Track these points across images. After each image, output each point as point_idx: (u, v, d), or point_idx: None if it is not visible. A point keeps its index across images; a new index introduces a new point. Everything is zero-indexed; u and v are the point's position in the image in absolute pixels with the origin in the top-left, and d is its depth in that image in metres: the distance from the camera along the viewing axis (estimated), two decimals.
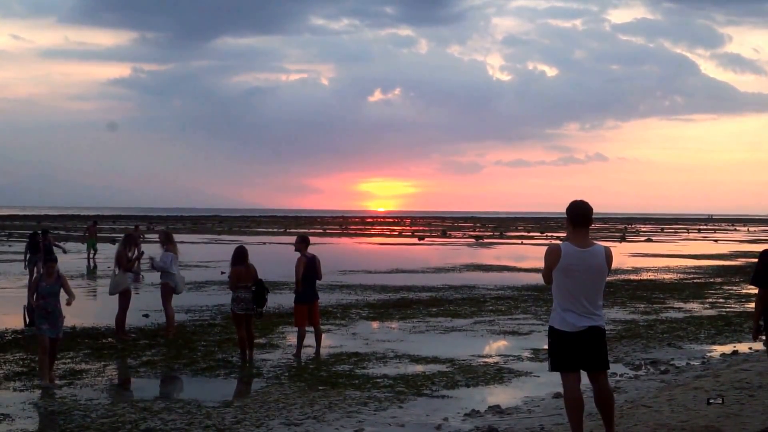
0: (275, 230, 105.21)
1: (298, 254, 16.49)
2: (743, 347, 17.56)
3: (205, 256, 48.18)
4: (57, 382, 13.50)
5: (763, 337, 8.97)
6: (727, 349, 17.46)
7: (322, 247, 58.76)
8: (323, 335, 17.25)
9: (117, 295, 18.58)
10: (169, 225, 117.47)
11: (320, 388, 13.22)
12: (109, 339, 17.67)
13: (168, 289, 18.77)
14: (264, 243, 67.91)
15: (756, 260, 9.37)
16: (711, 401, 10.67)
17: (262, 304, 16.20)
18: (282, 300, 24.47)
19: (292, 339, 17.48)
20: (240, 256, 16.26)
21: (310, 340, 16.65)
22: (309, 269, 16.39)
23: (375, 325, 20.78)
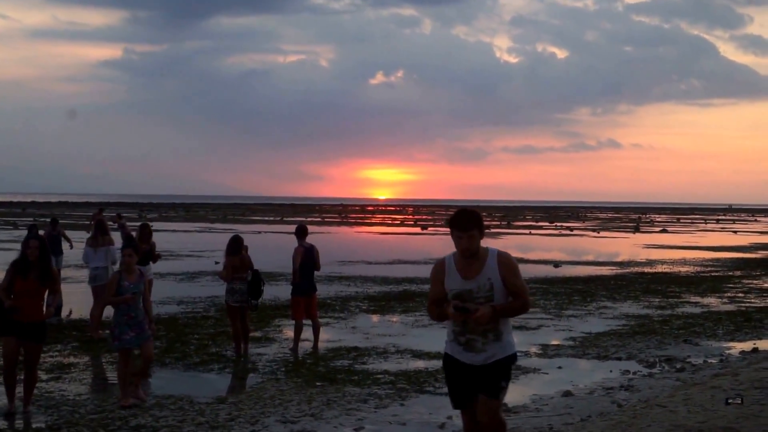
0: (271, 218, 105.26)
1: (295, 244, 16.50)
2: (764, 344, 17.55)
3: (198, 245, 48.24)
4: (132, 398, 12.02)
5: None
6: (747, 346, 17.44)
7: (321, 236, 58.75)
8: (321, 329, 17.24)
9: (96, 288, 18.09)
10: (162, 212, 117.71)
11: (318, 384, 13.23)
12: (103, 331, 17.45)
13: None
14: (259, 232, 67.91)
15: None
16: (730, 401, 10.66)
17: (258, 296, 16.17)
18: (279, 291, 24.48)
19: (289, 332, 17.47)
20: (235, 245, 16.22)
21: (307, 333, 16.65)
22: (306, 259, 16.38)
23: (375, 318, 20.79)
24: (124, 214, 41.82)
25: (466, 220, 7.04)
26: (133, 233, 20.30)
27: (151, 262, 18.37)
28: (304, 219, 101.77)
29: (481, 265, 7.07)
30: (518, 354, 16.03)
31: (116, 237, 20.38)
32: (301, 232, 16.72)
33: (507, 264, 7.10)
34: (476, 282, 7.04)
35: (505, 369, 7.24)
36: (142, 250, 17.75)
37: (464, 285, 7.07)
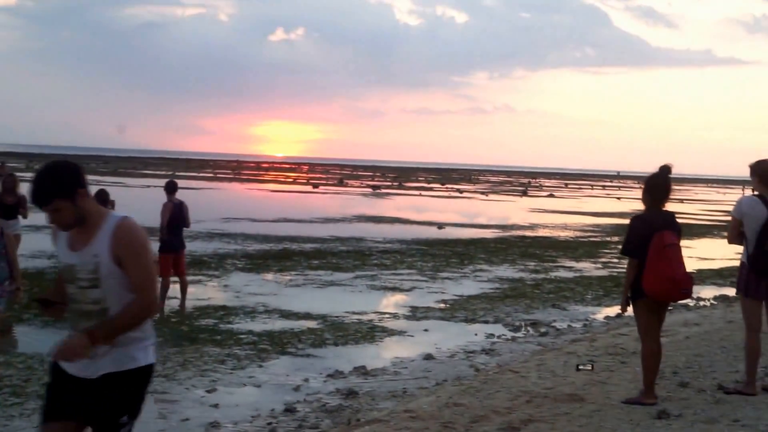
0: (164, 173, 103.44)
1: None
2: (629, 310, 17.72)
3: None
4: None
5: (630, 309, 8.93)
6: (613, 311, 17.59)
7: (209, 192, 58.03)
8: (193, 287, 16.87)
9: None
10: None
11: (180, 343, 12.89)
12: None
13: None
14: (149, 186, 66.67)
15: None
16: (580, 367, 10.66)
17: None
18: (154, 248, 23.92)
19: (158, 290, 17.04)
20: (99, 199, 15.74)
21: (176, 291, 16.28)
22: (175, 216, 16.05)
23: (250, 277, 20.42)
24: (9, 164, 40.59)
25: (40, 194, 4.80)
26: None
27: (19, 216, 17.70)
28: (196, 174, 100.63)
29: (91, 234, 4.86)
30: (389, 315, 15.99)
31: None
32: (171, 188, 16.40)
33: (124, 239, 4.81)
34: (80, 256, 4.87)
35: (127, 393, 4.96)
36: (6, 203, 17.14)
37: (69, 258, 4.93)
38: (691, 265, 24.51)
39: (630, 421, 7.93)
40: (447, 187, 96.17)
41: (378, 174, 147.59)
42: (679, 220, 8.86)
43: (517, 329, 15.27)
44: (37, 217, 24.44)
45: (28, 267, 19.48)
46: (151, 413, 9.67)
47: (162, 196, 16.71)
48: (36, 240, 24.80)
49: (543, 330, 15.22)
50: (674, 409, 8.23)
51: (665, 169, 8.70)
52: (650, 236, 8.39)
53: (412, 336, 14.40)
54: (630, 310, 8.95)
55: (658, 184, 8.70)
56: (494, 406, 8.69)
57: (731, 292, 20.63)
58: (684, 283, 8.38)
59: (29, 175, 71.82)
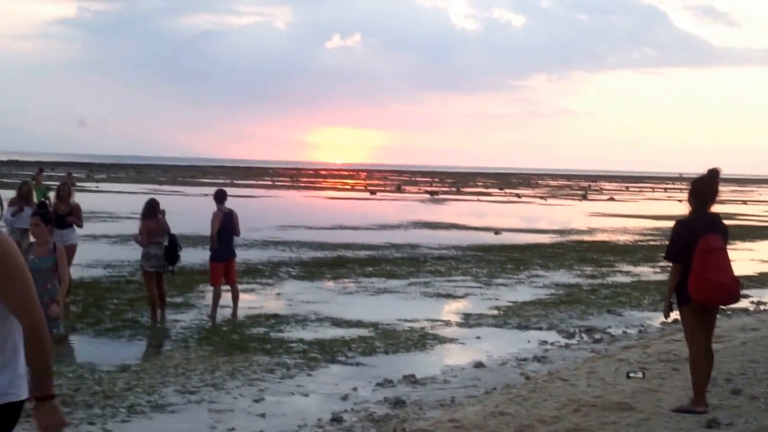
0: (222, 181, 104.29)
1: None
2: (673, 316, 17.46)
3: (139, 207, 47.54)
4: None
5: (674, 315, 8.82)
6: (670, 316, 17.34)
7: (266, 200, 58.22)
8: (245, 295, 16.95)
9: None
10: (112, 173, 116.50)
11: (230, 352, 12.94)
12: None
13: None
14: (206, 195, 67.19)
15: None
16: (631, 375, 10.51)
17: (175, 262, 15.87)
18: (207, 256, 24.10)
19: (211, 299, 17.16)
20: (150, 209, 16.02)
21: (228, 300, 16.37)
22: (225, 225, 16.17)
23: (303, 285, 20.46)
24: (75, 174, 41.16)
25: None
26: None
27: (74, 226, 17.79)
28: (254, 182, 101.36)
29: None
30: (442, 322, 15.93)
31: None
32: (220, 197, 16.55)
33: None
34: None
35: None
36: (59, 212, 17.16)
37: None
38: (753, 268, 24.64)
39: (679, 430, 7.81)
40: (505, 192, 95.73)
41: (436, 180, 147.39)
42: (727, 222, 8.71)
43: (570, 336, 15.11)
44: (95, 227, 24.73)
45: (83, 277, 19.78)
46: (199, 423, 9.74)
47: (236, 204, 16.91)
48: (92, 249, 25.17)
49: (597, 336, 15.04)
50: (725, 418, 8.08)
51: (713, 173, 8.56)
52: (695, 241, 8.26)
53: (464, 343, 14.32)
54: (673, 316, 8.82)
55: (705, 188, 8.56)
56: (540, 416, 8.60)
57: None
58: (731, 287, 8.23)
59: (90, 185, 73.09)
